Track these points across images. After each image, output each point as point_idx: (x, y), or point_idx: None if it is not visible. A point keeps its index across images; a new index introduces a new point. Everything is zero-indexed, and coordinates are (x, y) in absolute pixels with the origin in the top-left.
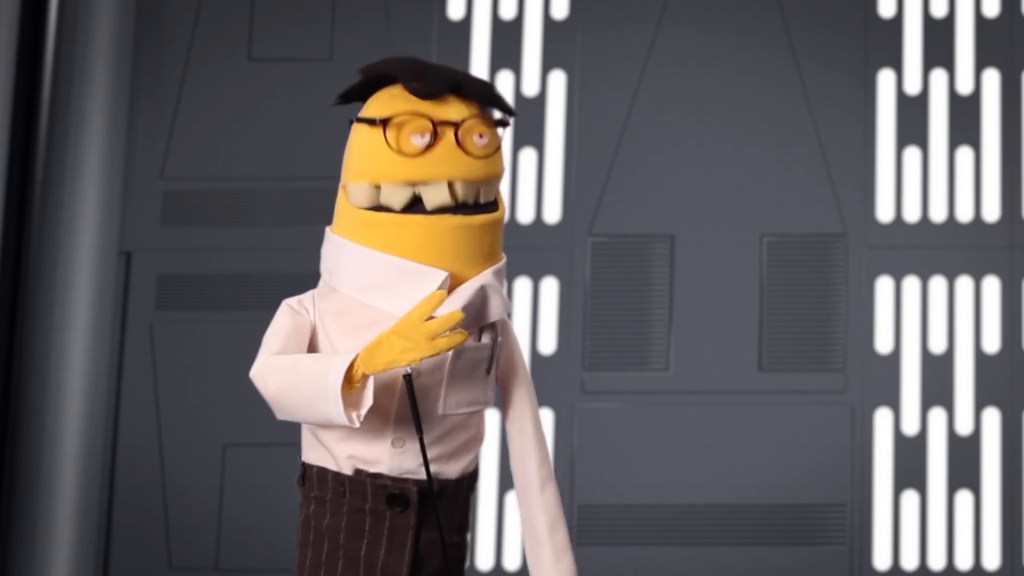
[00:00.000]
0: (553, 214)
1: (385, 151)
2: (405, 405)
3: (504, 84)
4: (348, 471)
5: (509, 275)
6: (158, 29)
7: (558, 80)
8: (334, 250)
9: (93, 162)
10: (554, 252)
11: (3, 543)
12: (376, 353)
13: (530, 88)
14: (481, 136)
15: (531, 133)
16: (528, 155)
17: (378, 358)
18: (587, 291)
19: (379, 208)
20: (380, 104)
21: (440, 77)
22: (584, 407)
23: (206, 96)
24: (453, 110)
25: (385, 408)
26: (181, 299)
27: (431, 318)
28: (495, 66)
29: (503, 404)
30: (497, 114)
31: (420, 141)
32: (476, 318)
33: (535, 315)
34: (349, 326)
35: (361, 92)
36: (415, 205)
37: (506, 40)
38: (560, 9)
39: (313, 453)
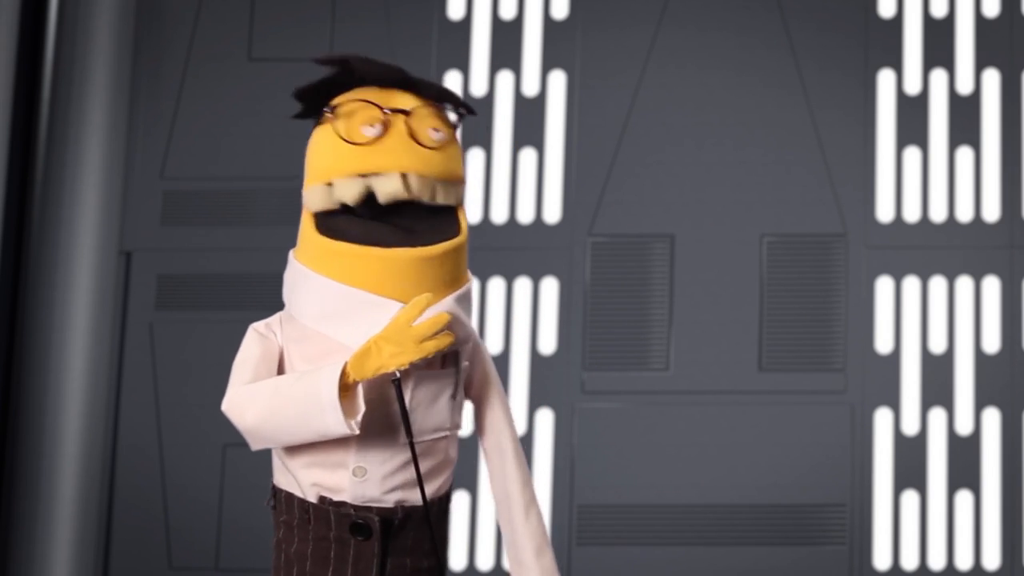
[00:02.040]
0: (553, 214)
1: (335, 143)
2: (366, 433)
3: (504, 84)
4: (312, 499)
5: (509, 275)
6: (158, 29)
7: (558, 80)
8: (293, 277)
9: (93, 162)
10: (554, 252)
11: (3, 543)
12: (365, 359)
13: (530, 88)
14: (436, 130)
15: (531, 133)
16: (528, 155)
17: (368, 364)
18: (587, 291)
19: (336, 212)
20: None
21: (392, 67)
22: (584, 407)
23: (206, 96)
24: (405, 100)
25: (345, 438)
26: (181, 299)
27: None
28: (495, 66)
29: (478, 425)
30: (452, 116)
31: (371, 131)
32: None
33: (535, 315)
34: (310, 354)
35: (316, 104)
36: (370, 202)
37: (506, 40)
38: (560, 9)
39: (282, 478)
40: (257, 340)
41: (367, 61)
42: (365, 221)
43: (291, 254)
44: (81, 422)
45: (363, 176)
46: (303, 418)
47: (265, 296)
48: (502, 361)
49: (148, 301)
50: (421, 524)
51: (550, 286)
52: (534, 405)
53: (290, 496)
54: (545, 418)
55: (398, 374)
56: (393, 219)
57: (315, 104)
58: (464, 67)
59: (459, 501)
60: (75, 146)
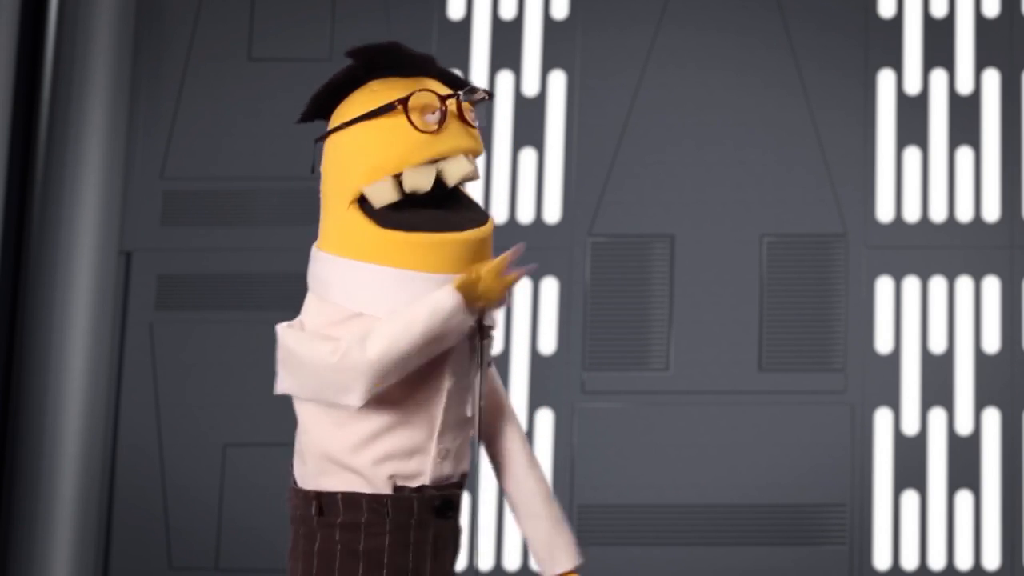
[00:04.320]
0: (553, 214)
1: (405, 134)
2: (449, 414)
3: (504, 84)
4: (387, 490)
5: None
6: (158, 29)
7: (558, 80)
8: (351, 275)
9: (93, 162)
10: (554, 252)
11: (3, 543)
12: (473, 289)
13: (530, 88)
14: (471, 110)
15: (531, 133)
16: (528, 155)
17: (474, 293)
18: (587, 291)
19: (404, 200)
20: (370, 98)
21: (424, 56)
22: (584, 407)
23: (206, 96)
24: (443, 88)
25: (431, 419)
26: (181, 299)
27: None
28: (495, 66)
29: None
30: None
31: (433, 118)
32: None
33: (535, 315)
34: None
35: (324, 107)
36: (439, 186)
37: (506, 40)
38: (560, 9)
39: (334, 480)
40: (296, 329)
41: (400, 47)
42: (412, 211)
43: (329, 253)
44: (81, 422)
45: (434, 162)
46: (431, 330)
47: (265, 296)
48: (502, 361)
49: (148, 301)
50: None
51: (550, 286)
52: (534, 405)
53: (354, 496)
54: (545, 418)
55: (487, 320)
56: (431, 208)
57: (327, 105)
58: (464, 67)
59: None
60: (75, 146)
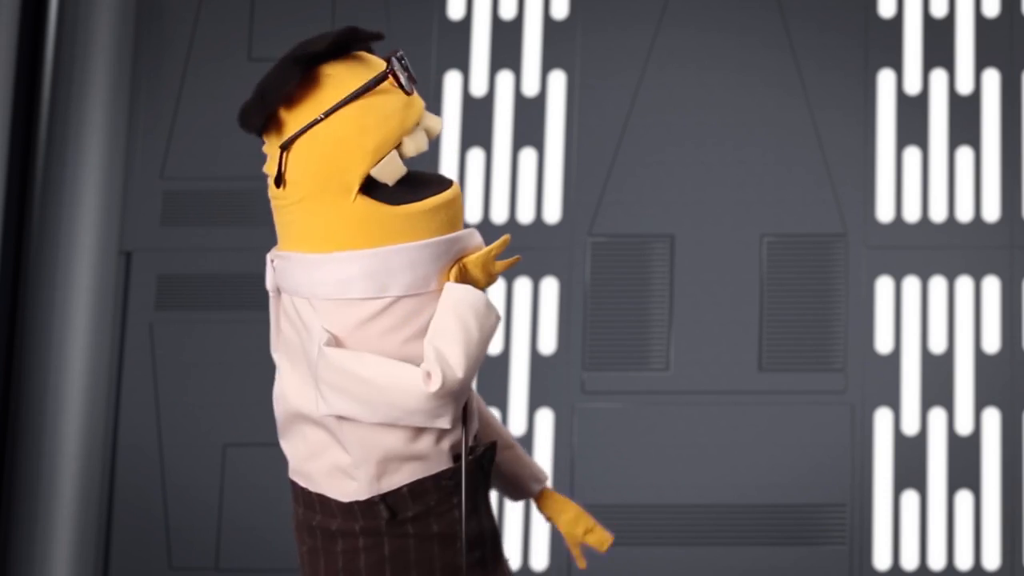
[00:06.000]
0: (553, 214)
1: (396, 101)
2: None
3: (504, 84)
4: (450, 463)
5: (509, 275)
6: (158, 29)
7: (558, 80)
8: (379, 262)
9: (93, 162)
10: (554, 252)
11: (3, 543)
12: (467, 282)
13: (530, 88)
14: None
15: (531, 133)
16: (528, 155)
17: (469, 283)
18: (587, 291)
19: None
20: (335, 82)
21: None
22: (584, 407)
23: (206, 96)
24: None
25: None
26: (181, 299)
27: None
28: (495, 66)
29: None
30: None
31: (406, 80)
32: None
33: (535, 315)
34: (404, 314)
35: (260, 117)
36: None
37: (506, 40)
38: (560, 9)
39: (397, 476)
40: (349, 351)
41: (354, 31)
42: (394, 188)
43: (340, 251)
44: (81, 422)
45: (418, 124)
46: (485, 324)
47: (265, 296)
48: (502, 361)
49: (148, 301)
50: None
51: (550, 286)
52: (534, 405)
53: (419, 483)
54: (545, 418)
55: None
56: (400, 182)
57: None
58: (464, 67)
59: None
60: (75, 146)
